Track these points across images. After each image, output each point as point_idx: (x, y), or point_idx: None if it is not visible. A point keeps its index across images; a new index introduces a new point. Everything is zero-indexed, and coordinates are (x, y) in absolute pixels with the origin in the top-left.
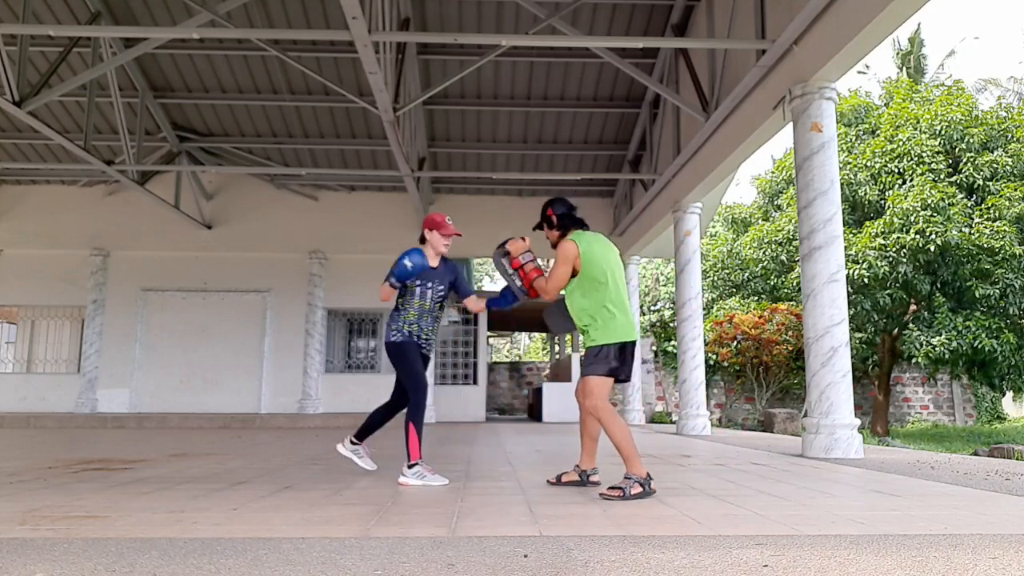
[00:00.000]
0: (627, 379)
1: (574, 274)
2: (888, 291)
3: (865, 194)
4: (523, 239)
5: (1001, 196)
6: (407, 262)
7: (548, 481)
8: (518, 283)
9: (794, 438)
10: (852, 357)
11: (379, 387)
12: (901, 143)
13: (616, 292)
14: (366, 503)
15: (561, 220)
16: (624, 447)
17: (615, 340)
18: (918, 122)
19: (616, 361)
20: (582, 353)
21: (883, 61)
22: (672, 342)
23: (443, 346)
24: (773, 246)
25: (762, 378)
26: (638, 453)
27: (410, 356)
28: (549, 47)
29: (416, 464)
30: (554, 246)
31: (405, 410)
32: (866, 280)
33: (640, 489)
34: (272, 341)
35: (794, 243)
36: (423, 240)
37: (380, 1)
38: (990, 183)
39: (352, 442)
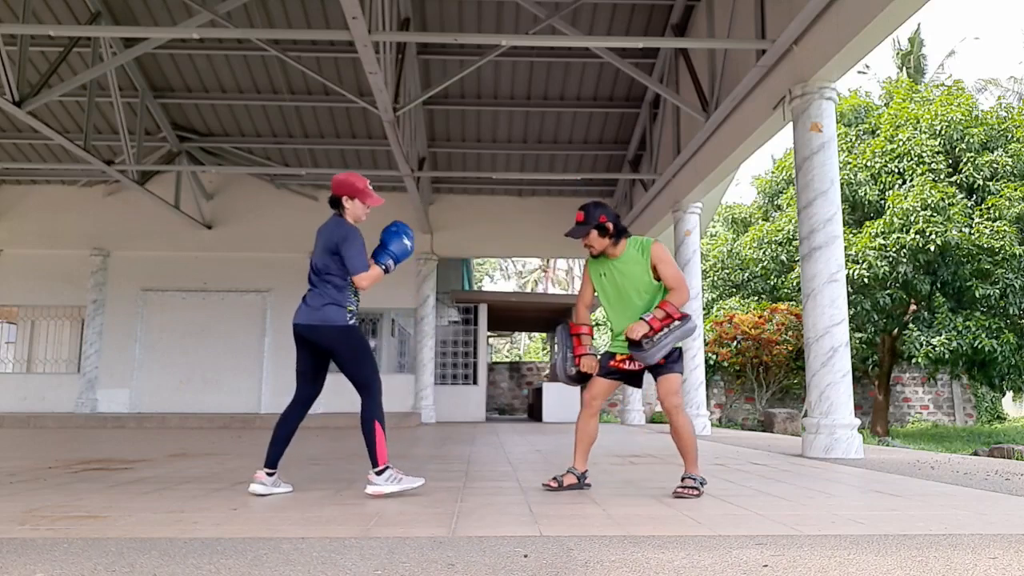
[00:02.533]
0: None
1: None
2: (888, 291)
3: (865, 194)
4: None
5: (1001, 196)
6: (407, 241)
7: (546, 485)
8: (569, 355)
9: (794, 438)
10: (852, 357)
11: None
12: (901, 143)
13: None
14: (366, 503)
15: (618, 226)
16: (693, 450)
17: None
18: (918, 122)
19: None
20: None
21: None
22: None
23: (443, 346)
24: (773, 246)
25: (762, 378)
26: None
27: (366, 343)
28: (549, 47)
29: (387, 468)
30: (596, 255)
31: (363, 410)
32: (866, 280)
33: (701, 491)
34: (272, 341)
35: (794, 243)
36: (336, 206)
37: (380, 1)
38: (990, 183)
39: (269, 474)
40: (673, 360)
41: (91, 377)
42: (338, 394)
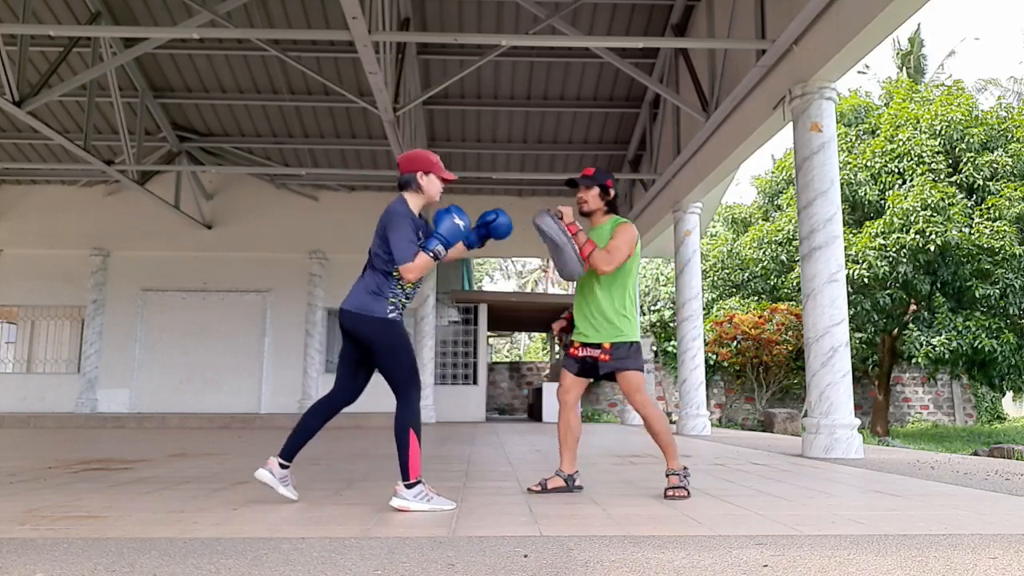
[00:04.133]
0: None
1: None
2: (888, 291)
3: (865, 194)
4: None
5: (1001, 196)
6: (458, 220)
7: (530, 489)
8: (575, 251)
9: (794, 438)
10: (852, 357)
11: (379, 386)
12: (901, 143)
13: (634, 294)
14: (366, 503)
15: (615, 200)
16: (670, 443)
17: (638, 339)
18: (918, 122)
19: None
20: (605, 349)
21: (883, 61)
22: (672, 342)
23: (443, 346)
24: (773, 246)
25: (762, 378)
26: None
27: (407, 341)
28: (549, 47)
29: (419, 483)
30: (585, 212)
31: (397, 415)
32: (866, 280)
33: (687, 483)
34: (272, 341)
35: (794, 243)
36: (407, 187)
37: (380, 1)
38: (990, 183)
39: (282, 465)
40: (627, 358)
41: (91, 377)
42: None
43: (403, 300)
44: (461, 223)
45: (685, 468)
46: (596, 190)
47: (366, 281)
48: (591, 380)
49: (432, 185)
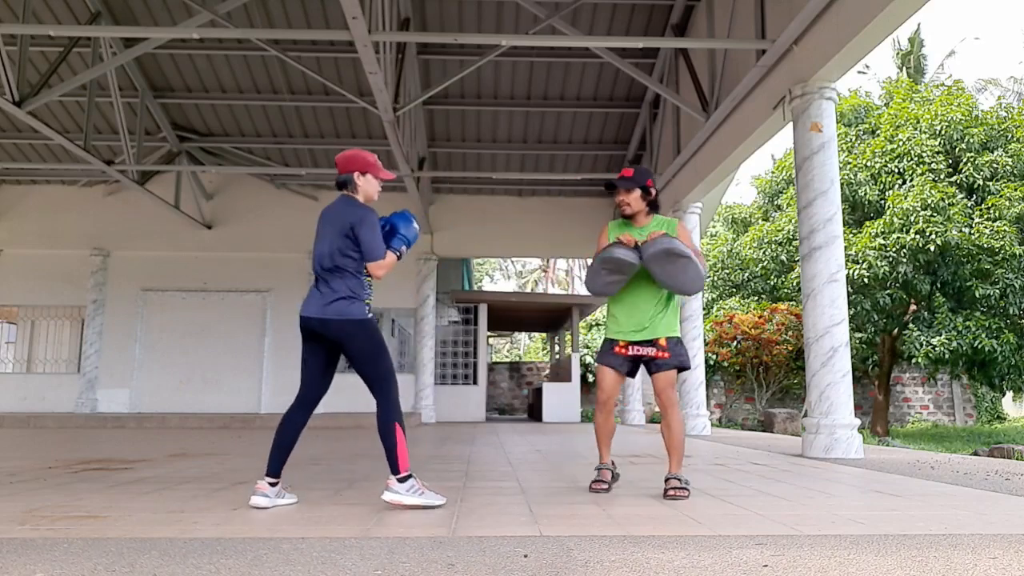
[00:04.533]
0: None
1: None
2: (888, 291)
3: (865, 194)
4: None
5: (1001, 196)
6: (415, 225)
7: (596, 490)
8: (700, 264)
9: (794, 438)
10: (852, 357)
11: None
12: (901, 143)
13: None
14: (366, 503)
15: (656, 198)
16: (683, 448)
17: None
18: (918, 122)
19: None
20: (662, 345)
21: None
22: None
23: (443, 346)
24: (773, 246)
25: (762, 378)
26: None
27: (381, 337)
28: (549, 47)
29: (410, 477)
30: (629, 214)
31: (379, 412)
32: (866, 280)
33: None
34: (272, 341)
35: (794, 243)
36: (345, 187)
37: (380, 1)
38: (990, 183)
39: (271, 483)
40: (677, 353)
41: (91, 377)
42: (338, 393)
43: (369, 300)
44: (416, 227)
45: (688, 481)
46: (638, 192)
47: (336, 286)
48: (627, 379)
49: (370, 185)
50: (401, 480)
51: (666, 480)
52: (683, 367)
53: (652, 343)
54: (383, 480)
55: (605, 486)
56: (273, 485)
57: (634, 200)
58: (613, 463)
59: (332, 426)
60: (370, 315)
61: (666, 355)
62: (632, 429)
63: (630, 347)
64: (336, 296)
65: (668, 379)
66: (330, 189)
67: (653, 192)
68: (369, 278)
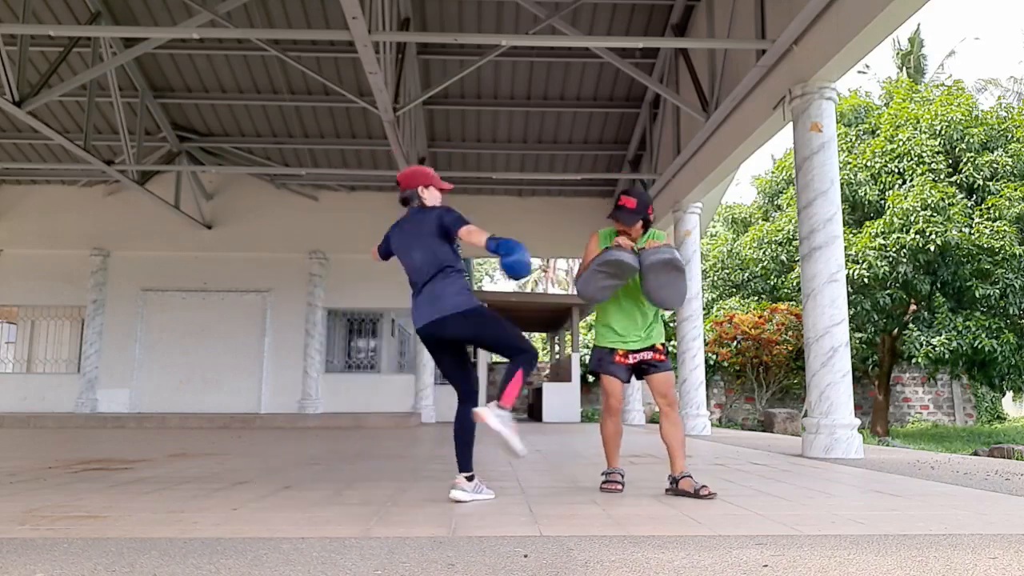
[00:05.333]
0: None
1: None
2: (888, 291)
3: (865, 194)
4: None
5: (1001, 196)
6: (526, 258)
7: (614, 491)
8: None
9: (794, 438)
10: (852, 357)
11: (379, 387)
12: (901, 143)
13: None
14: (366, 503)
15: (648, 222)
16: (683, 444)
17: None
18: (918, 122)
19: None
20: (655, 350)
21: (883, 61)
22: (672, 342)
23: None
24: (773, 246)
25: (762, 378)
26: None
27: (495, 313)
28: (549, 47)
29: (507, 410)
30: (629, 236)
31: (511, 364)
32: (866, 280)
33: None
34: (272, 341)
35: (794, 243)
36: (411, 201)
37: (380, 1)
38: (990, 183)
39: (468, 478)
40: (667, 355)
41: (91, 377)
42: (336, 394)
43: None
44: (525, 259)
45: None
46: (639, 224)
47: (446, 285)
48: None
49: (433, 197)
50: (501, 409)
51: (682, 478)
52: (670, 368)
53: (651, 348)
54: (383, 480)
55: (620, 486)
56: (470, 480)
57: (636, 232)
58: (622, 473)
59: (332, 426)
60: (479, 303)
61: (663, 357)
62: (632, 429)
63: (630, 355)
64: (452, 295)
65: (669, 379)
66: (330, 189)
67: (652, 219)
68: (463, 271)
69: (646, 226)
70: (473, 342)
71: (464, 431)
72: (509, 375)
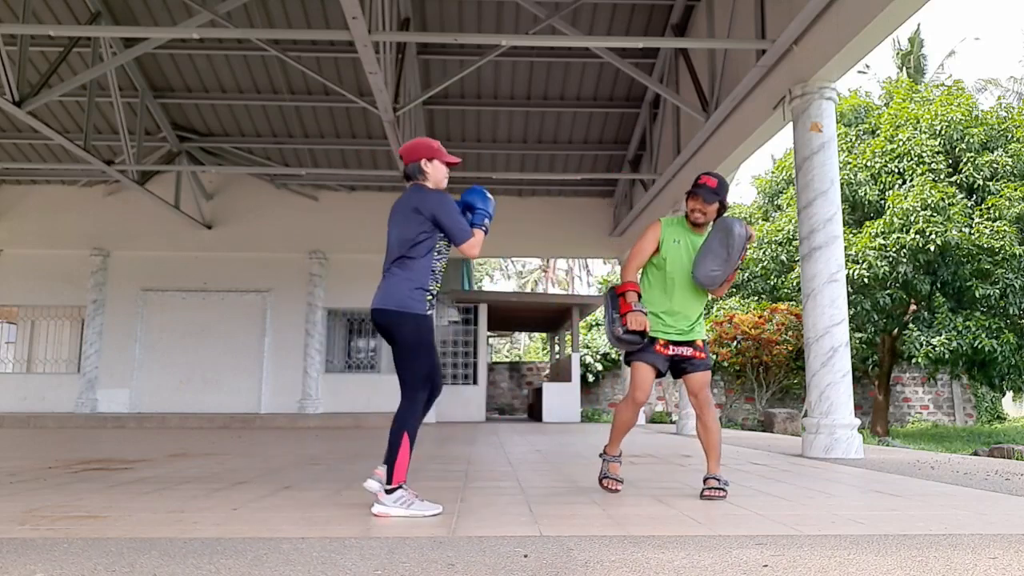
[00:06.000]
0: None
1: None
2: (888, 291)
3: (865, 194)
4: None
5: (1001, 196)
6: (491, 196)
7: (610, 489)
8: (616, 316)
9: (794, 438)
10: (852, 357)
11: (379, 387)
12: (901, 143)
13: None
14: (366, 503)
15: (724, 206)
16: (719, 446)
17: None
18: (918, 122)
19: None
20: (695, 346)
21: (883, 61)
22: None
23: (443, 346)
24: (773, 246)
25: (762, 378)
26: None
27: (432, 342)
28: (549, 47)
29: (400, 488)
30: (700, 223)
31: (397, 413)
32: (866, 280)
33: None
34: (272, 341)
35: (794, 243)
36: (413, 176)
37: (380, 1)
38: (990, 183)
39: (388, 491)
40: (709, 354)
41: (91, 377)
42: (335, 394)
43: (432, 296)
44: (492, 199)
45: (727, 482)
46: (716, 205)
47: (401, 277)
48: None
49: (438, 171)
50: (390, 491)
51: (705, 480)
52: (709, 366)
53: (691, 344)
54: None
55: (617, 487)
56: (390, 492)
57: (711, 212)
58: (620, 455)
59: (332, 426)
60: (429, 312)
61: (703, 355)
62: (632, 429)
63: (671, 347)
64: (400, 288)
65: (704, 379)
66: (330, 189)
67: (726, 206)
68: (438, 271)
69: (721, 212)
70: (390, 342)
71: (390, 433)
72: (395, 446)
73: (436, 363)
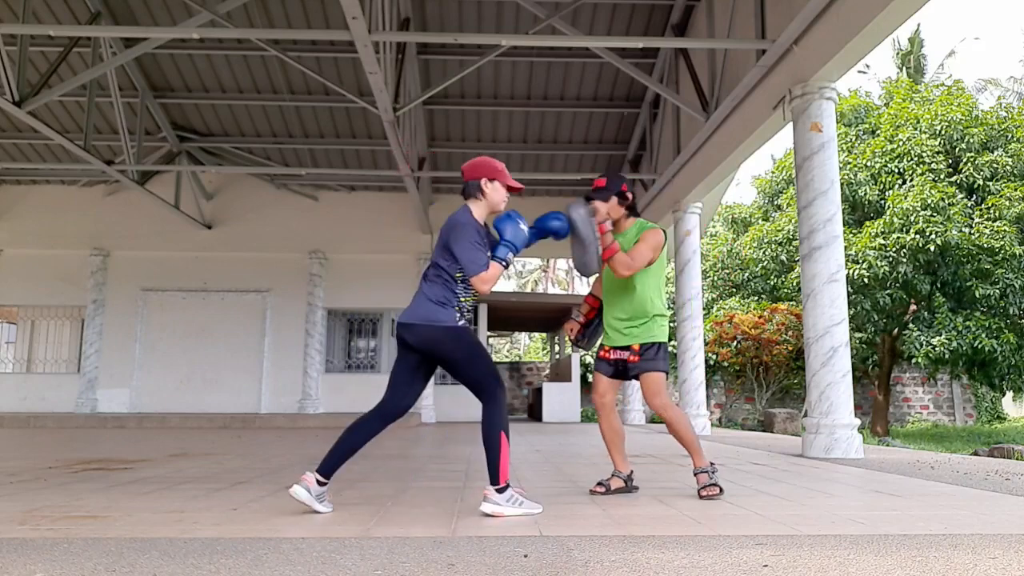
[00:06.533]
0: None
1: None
2: (888, 291)
3: (865, 194)
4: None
5: (1001, 196)
6: (523, 226)
7: (592, 491)
8: (597, 250)
9: (794, 438)
10: (852, 357)
11: (380, 387)
12: (901, 143)
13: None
14: (366, 503)
15: (633, 203)
16: (693, 442)
17: (665, 339)
18: (918, 122)
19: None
20: (635, 349)
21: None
22: (672, 342)
23: None
24: (773, 246)
25: (762, 378)
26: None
27: (480, 344)
28: (549, 47)
29: (507, 486)
30: (606, 218)
31: (485, 417)
32: (866, 280)
33: (716, 478)
34: (272, 341)
35: (794, 243)
36: (471, 195)
37: (380, 1)
38: (990, 183)
39: (320, 482)
40: (653, 359)
41: (91, 377)
42: (338, 393)
43: (467, 306)
44: (524, 228)
45: (712, 464)
46: (614, 200)
47: (427, 292)
48: (623, 381)
49: (497, 193)
50: (500, 491)
51: (695, 475)
52: (653, 371)
53: (627, 348)
54: (383, 480)
55: (602, 489)
56: (321, 484)
57: (612, 208)
58: (631, 475)
59: (332, 426)
60: (461, 322)
61: (636, 359)
62: (632, 429)
63: (612, 351)
64: (426, 302)
65: (647, 382)
66: (330, 189)
67: (629, 196)
68: (468, 288)
69: (632, 212)
70: (443, 363)
71: (353, 438)
72: (494, 449)
73: (492, 368)
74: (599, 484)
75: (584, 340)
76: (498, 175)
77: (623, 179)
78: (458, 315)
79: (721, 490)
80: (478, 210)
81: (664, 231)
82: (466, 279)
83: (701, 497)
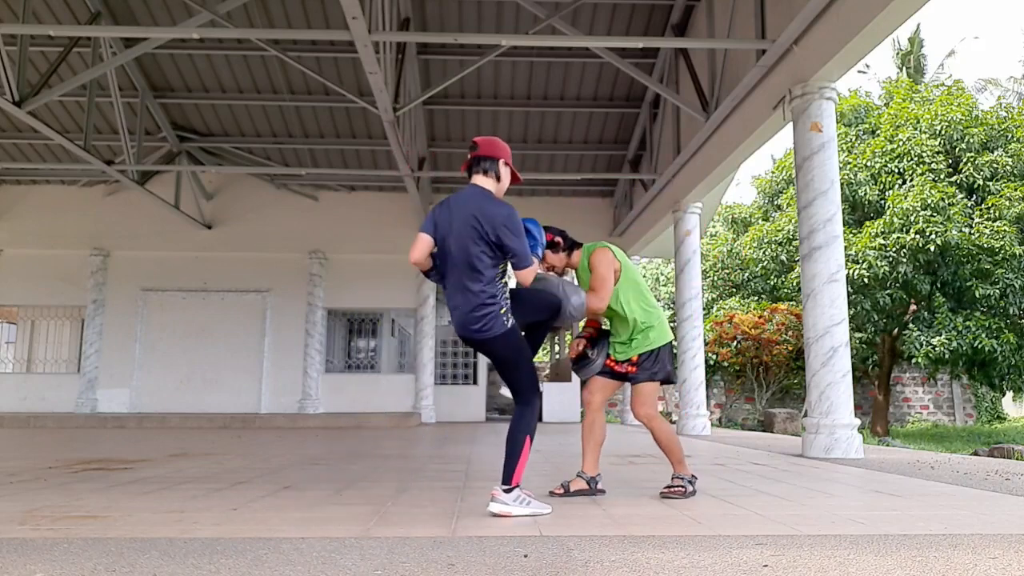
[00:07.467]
0: (673, 380)
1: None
2: (888, 291)
3: (865, 194)
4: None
5: (1001, 196)
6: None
7: (552, 492)
8: (570, 298)
9: (794, 438)
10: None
11: (380, 387)
12: (901, 143)
13: (648, 293)
14: (366, 503)
15: (567, 239)
16: (678, 451)
17: (667, 340)
18: (918, 122)
19: (669, 363)
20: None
21: (883, 61)
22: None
23: (443, 346)
24: (773, 246)
25: (762, 378)
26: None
27: (527, 348)
28: (549, 47)
29: (517, 487)
30: (559, 272)
31: (515, 416)
32: (866, 280)
33: (691, 489)
34: (272, 341)
35: (794, 243)
36: (487, 171)
37: (380, 1)
38: (990, 183)
39: (506, 490)
40: (646, 369)
41: (91, 377)
42: (338, 393)
43: (509, 310)
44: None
45: (694, 476)
46: (547, 252)
47: (475, 294)
48: (620, 383)
49: (507, 179)
50: (508, 491)
51: (672, 478)
52: (652, 380)
53: (629, 360)
54: (383, 480)
55: (561, 490)
56: (508, 491)
57: (555, 260)
58: (596, 478)
59: (332, 426)
60: (510, 323)
61: (633, 369)
62: (632, 429)
63: (617, 364)
64: (478, 306)
65: (638, 393)
66: (330, 189)
67: (559, 240)
68: (504, 286)
69: (572, 245)
70: (491, 359)
71: (509, 438)
72: (516, 450)
73: (534, 372)
74: (560, 485)
75: (589, 359)
76: (510, 162)
77: (546, 229)
78: (507, 316)
79: (687, 495)
80: (495, 191)
81: (608, 245)
82: (502, 275)
83: (661, 495)
